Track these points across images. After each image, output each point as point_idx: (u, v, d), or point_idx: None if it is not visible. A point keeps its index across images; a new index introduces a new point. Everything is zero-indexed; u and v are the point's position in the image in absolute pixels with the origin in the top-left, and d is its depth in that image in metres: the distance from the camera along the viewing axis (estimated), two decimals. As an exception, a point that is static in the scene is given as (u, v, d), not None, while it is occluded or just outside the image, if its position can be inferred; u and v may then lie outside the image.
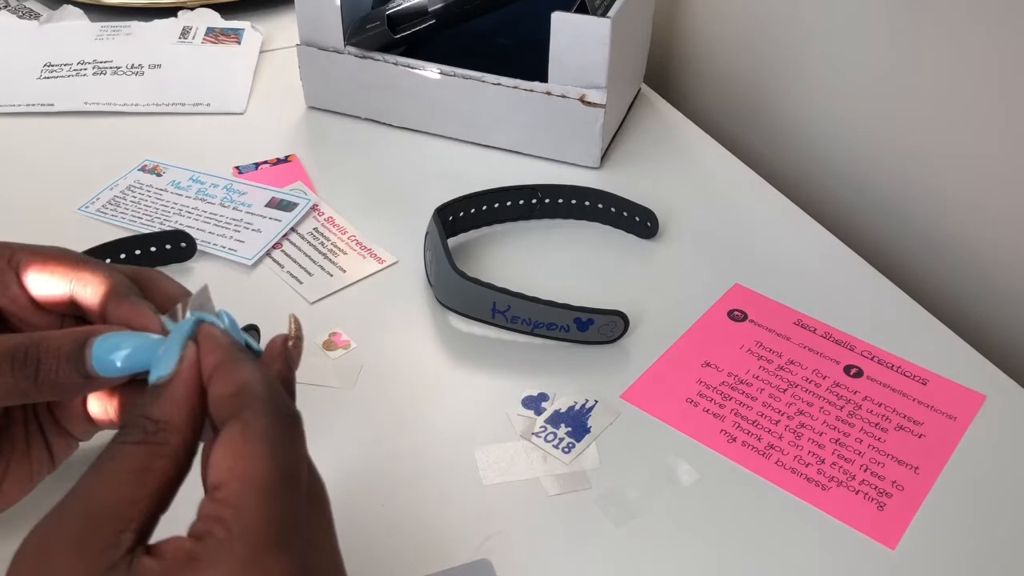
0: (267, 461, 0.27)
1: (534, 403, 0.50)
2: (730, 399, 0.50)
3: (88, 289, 0.34)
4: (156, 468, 0.27)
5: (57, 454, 0.37)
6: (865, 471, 0.47)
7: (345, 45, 0.69)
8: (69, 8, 0.85)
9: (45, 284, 0.34)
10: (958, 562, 0.43)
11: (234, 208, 0.63)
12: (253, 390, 0.28)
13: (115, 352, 0.31)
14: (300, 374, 0.51)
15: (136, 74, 0.77)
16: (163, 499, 0.28)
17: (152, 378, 0.29)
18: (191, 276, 0.57)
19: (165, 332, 0.32)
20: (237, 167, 0.67)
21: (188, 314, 0.31)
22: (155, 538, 0.27)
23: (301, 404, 0.31)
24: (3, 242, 0.36)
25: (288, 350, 0.32)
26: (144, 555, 0.26)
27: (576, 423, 0.48)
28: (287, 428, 0.28)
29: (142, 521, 0.27)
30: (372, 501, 0.45)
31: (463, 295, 0.53)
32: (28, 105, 0.73)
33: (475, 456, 0.47)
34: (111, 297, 0.34)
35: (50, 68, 0.77)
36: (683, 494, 0.45)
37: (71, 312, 0.35)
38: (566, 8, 0.62)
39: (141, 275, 0.36)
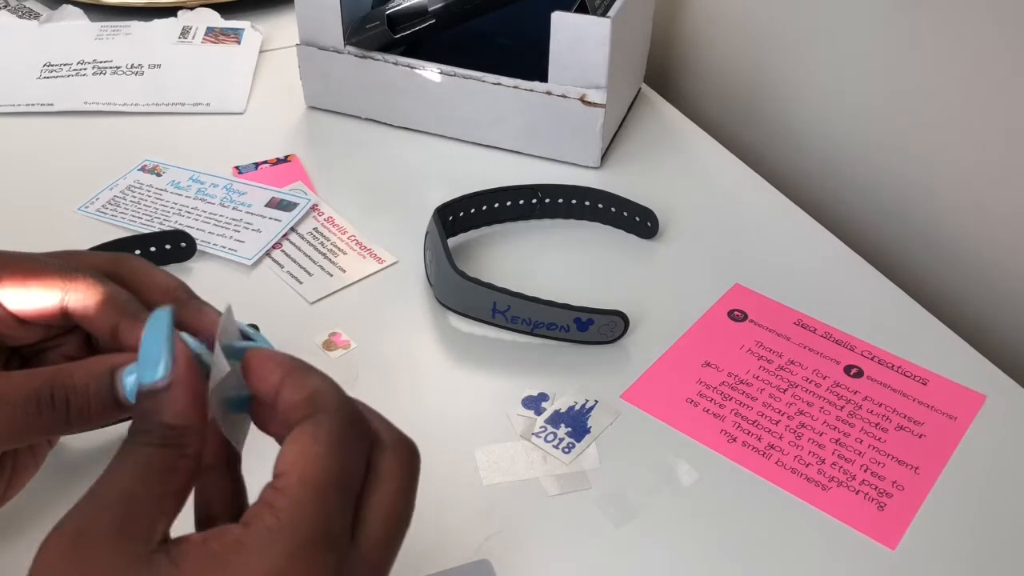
0: (329, 463, 0.27)
1: (534, 403, 0.50)
2: (730, 399, 0.50)
3: (88, 306, 0.33)
4: (181, 468, 0.28)
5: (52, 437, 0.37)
6: (865, 471, 0.47)
7: (345, 45, 0.69)
8: (69, 8, 0.85)
9: (28, 299, 0.33)
10: (958, 562, 0.43)
11: (234, 208, 0.63)
12: (326, 396, 0.29)
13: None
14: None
15: (136, 74, 0.77)
16: (184, 498, 0.28)
17: (145, 380, 0.29)
18: (191, 276, 0.57)
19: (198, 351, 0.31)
20: (237, 167, 0.67)
21: (217, 344, 0.30)
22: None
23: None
24: None
25: None
26: (181, 542, 0.26)
27: (576, 423, 0.48)
28: (355, 436, 0.29)
29: (170, 517, 0.27)
30: (372, 501, 0.44)
31: (463, 295, 0.53)
32: (28, 105, 0.73)
33: (475, 456, 0.47)
34: (120, 317, 0.33)
35: (50, 68, 0.77)
36: (683, 494, 0.45)
37: (61, 323, 0.34)
38: (566, 8, 0.62)
39: (127, 265, 0.35)
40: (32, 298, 0.33)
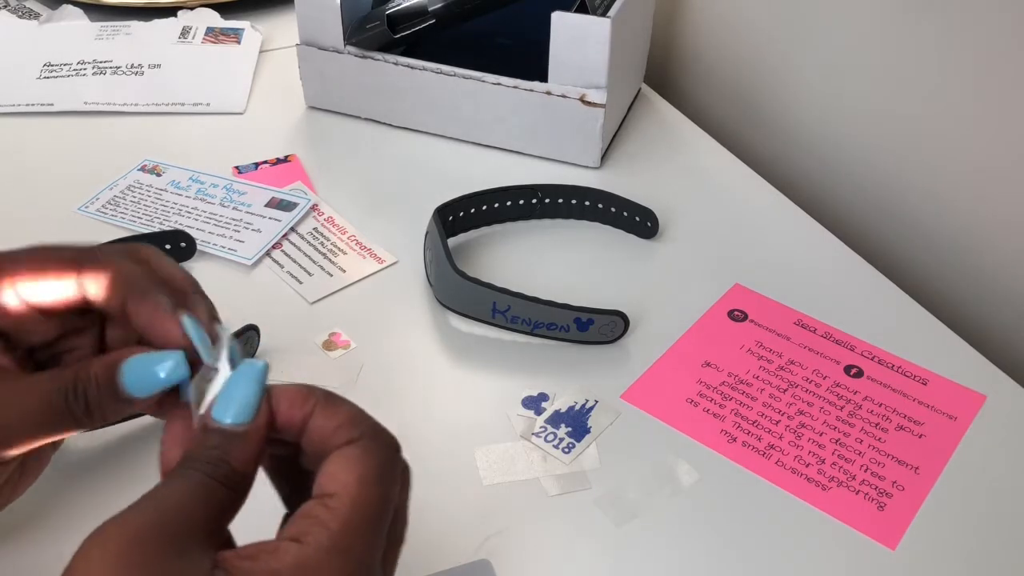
0: (378, 489, 0.28)
1: (534, 403, 0.50)
2: (730, 399, 0.50)
3: (102, 283, 0.34)
4: (230, 510, 0.29)
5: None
6: (865, 471, 0.47)
7: (345, 45, 0.69)
8: (69, 8, 0.85)
9: (45, 287, 0.34)
10: (958, 562, 0.43)
11: (234, 208, 0.63)
12: (364, 422, 0.30)
13: (146, 375, 0.31)
14: (300, 374, 0.51)
15: (136, 74, 0.77)
16: (224, 529, 0.29)
17: (224, 418, 0.30)
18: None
19: (186, 336, 0.32)
20: (237, 167, 0.67)
21: (224, 353, 0.31)
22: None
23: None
24: None
25: None
26: (233, 559, 0.27)
27: (576, 423, 0.48)
28: (395, 464, 0.30)
29: (213, 549, 0.27)
30: (372, 501, 0.44)
31: (463, 295, 0.53)
32: (28, 105, 0.73)
33: (475, 456, 0.47)
34: (128, 293, 0.33)
35: (50, 68, 0.77)
36: (683, 494, 0.45)
37: (81, 306, 0.35)
38: (566, 8, 0.62)
39: (142, 253, 0.36)
40: (49, 286, 0.34)
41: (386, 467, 0.29)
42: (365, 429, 0.30)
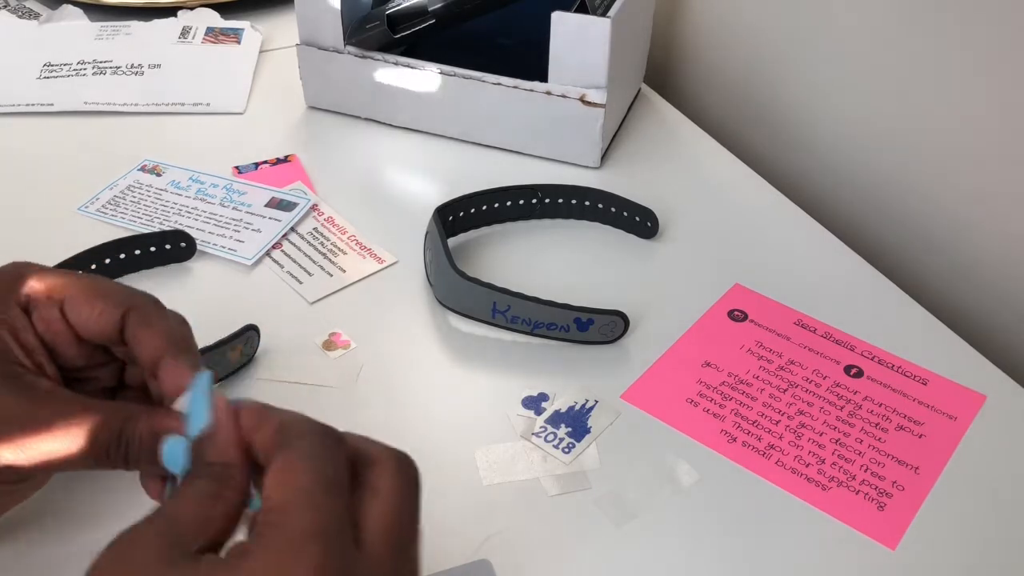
0: (308, 472, 0.29)
1: (534, 403, 0.50)
2: (730, 399, 0.50)
3: (134, 344, 0.37)
4: (225, 497, 0.31)
5: None
6: (865, 471, 0.47)
7: (345, 45, 0.69)
8: (69, 8, 0.85)
9: (87, 328, 0.37)
10: (958, 562, 0.43)
11: (234, 208, 0.63)
12: (293, 423, 0.31)
13: (181, 458, 0.33)
14: (300, 374, 0.51)
15: (136, 74, 0.77)
16: (230, 521, 0.31)
17: (193, 432, 0.32)
18: (191, 276, 0.57)
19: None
20: (237, 167, 0.67)
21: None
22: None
23: (301, 405, 0.32)
24: (37, 271, 0.38)
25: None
26: (205, 556, 0.29)
27: (576, 423, 0.48)
28: (328, 445, 0.31)
29: (211, 537, 0.30)
30: (372, 501, 0.44)
31: (463, 295, 0.53)
32: (28, 105, 0.73)
33: (475, 456, 0.47)
34: (166, 350, 0.36)
35: (50, 68, 0.77)
36: (683, 494, 0.45)
37: (116, 341, 0.37)
38: (566, 8, 0.62)
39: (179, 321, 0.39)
40: (91, 325, 0.37)
41: (314, 452, 0.30)
42: (293, 428, 0.31)
